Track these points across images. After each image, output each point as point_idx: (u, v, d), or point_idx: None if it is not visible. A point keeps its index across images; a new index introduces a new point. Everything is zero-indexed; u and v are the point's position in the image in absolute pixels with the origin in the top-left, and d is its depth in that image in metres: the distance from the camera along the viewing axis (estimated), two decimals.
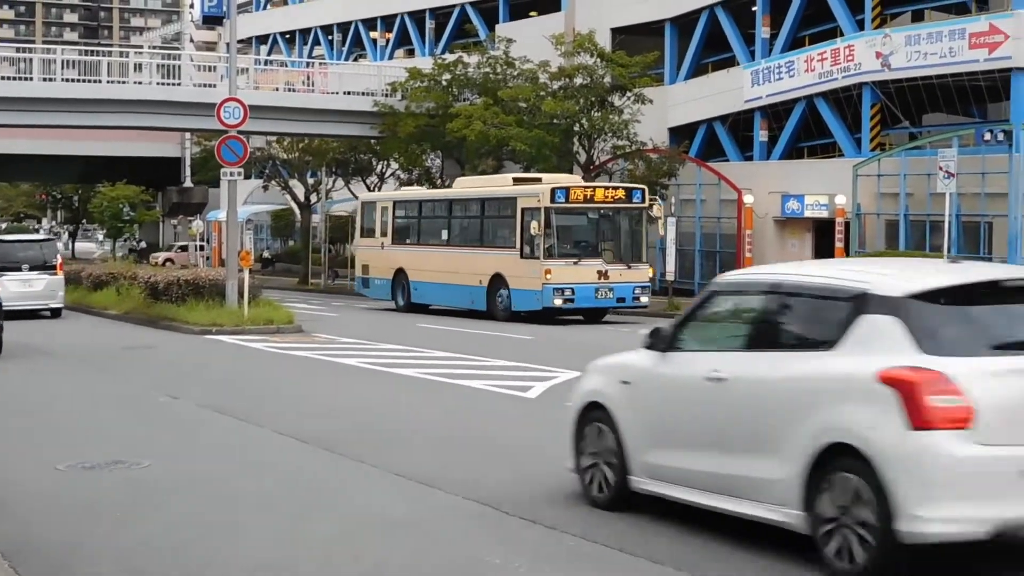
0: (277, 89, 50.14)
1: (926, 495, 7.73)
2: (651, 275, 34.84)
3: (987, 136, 35.50)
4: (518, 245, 32.70)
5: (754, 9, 46.34)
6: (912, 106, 39.86)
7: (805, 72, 42.56)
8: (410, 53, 66.51)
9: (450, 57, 50.85)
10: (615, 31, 50.45)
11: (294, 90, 52.28)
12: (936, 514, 7.71)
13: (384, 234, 38.87)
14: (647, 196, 34.01)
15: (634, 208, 33.15)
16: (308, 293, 51.10)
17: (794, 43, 44.71)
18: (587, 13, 51.31)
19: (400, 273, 37.78)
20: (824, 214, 39.76)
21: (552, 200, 32.02)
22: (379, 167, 56.31)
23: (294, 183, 60.33)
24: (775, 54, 44.90)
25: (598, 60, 45.00)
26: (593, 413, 10.30)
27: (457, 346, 25.06)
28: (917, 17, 43.89)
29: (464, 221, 36.46)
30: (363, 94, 50.33)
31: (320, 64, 59.03)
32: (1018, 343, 8.29)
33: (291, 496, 10.89)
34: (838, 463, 8.13)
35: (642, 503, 9.85)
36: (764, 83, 44.50)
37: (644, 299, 33.12)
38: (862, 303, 8.43)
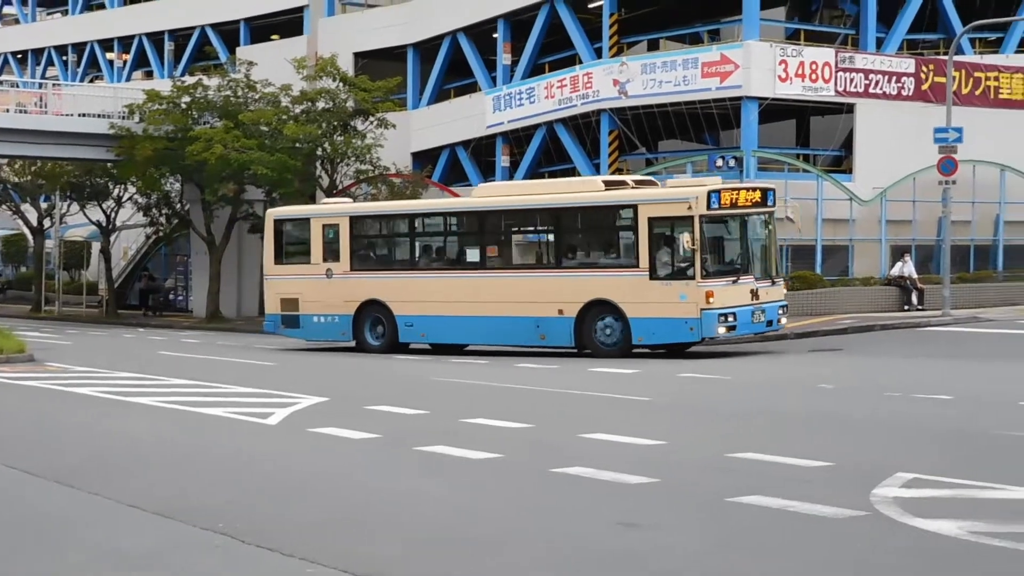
0: (8, 110, 48.19)
1: None
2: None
3: (719, 162, 36.46)
4: (643, 263, 26.05)
5: (495, 36, 46.72)
6: (648, 132, 40.72)
7: (545, 98, 43.06)
8: (149, 75, 64.99)
9: (190, 80, 49.75)
10: (358, 55, 50.22)
11: (26, 111, 50.34)
12: None
13: (332, 259, 30.91)
14: (776, 197, 27.98)
15: (767, 212, 27.00)
16: (41, 321, 49.22)
17: (535, 70, 45.22)
18: (330, 37, 50.96)
19: (372, 307, 30.27)
20: None
21: (708, 206, 25.47)
22: (116, 191, 54.69)
23: (26, 207, 58.19)
24: (516, 80, 45.32)
25: (341, 84, 44.67)
26: None
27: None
28: (653, 46, 44.99)
29: (518, 238, 29.55)
30: (99, 116, 48.72)
31: (54, 85, 57.05)
32: None
33: (17, 532, 10.24)
34: None
35: None
36: (506, 109, 44.85)
37: (784, 320, 27.45)
38: None
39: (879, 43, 41.27)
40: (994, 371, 21.98)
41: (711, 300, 25.35)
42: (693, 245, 25.21)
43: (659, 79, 39.08)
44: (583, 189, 28.43)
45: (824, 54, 38.76)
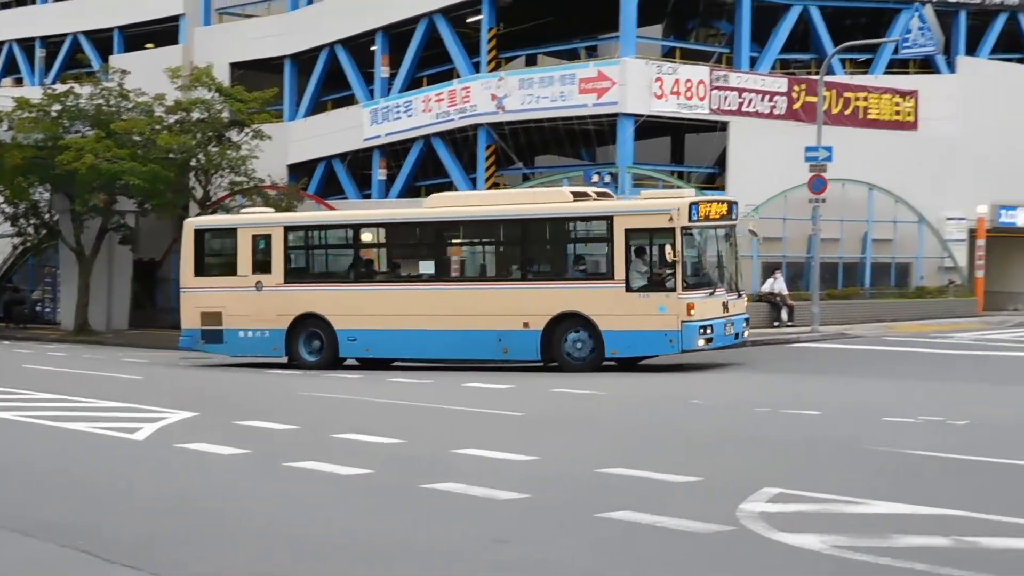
0: None
1: None
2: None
3: (595, 178, 36.73)
4: (619, 275, 25.72)
5: (373, 49, 46.61)
6: (526, 147, 40.91)
7: (423, 112, 43.05)
8: (18, 82, 63.71)
9: (61, 87, 48.90)
10: (234, 66, 49.77)
11: None
12: None
13: (262, 271, 29.59)
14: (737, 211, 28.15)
15: (732, 225, 27.19)
16: None
17: (413, 83, 45.20)
18: (205, 47, 50.44)
19: (308, 321, 29.11)
20: None
21: (689, 218, 25.37)
22: None
23: None
24: (394, 94, 45.26)
25: (216, 95, 44.22)
26: None
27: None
28: (531, 62, 45.23)
29: (481, 249, 28.94)
30: None
31: None
32: None
33: None
34: None
35: None
36: (383, 122, 44.77)
37: (747, 333, 27.84)
38: None
39: (753, 62, 41.91)
40: (859, 387, 22.37)
41: (692, 312, 25.27)
42: (675, 257, 25.02)
43: (536, 94, 39.27)
44: (551, 200, 27.65)
45: (699, 72, 39.24)
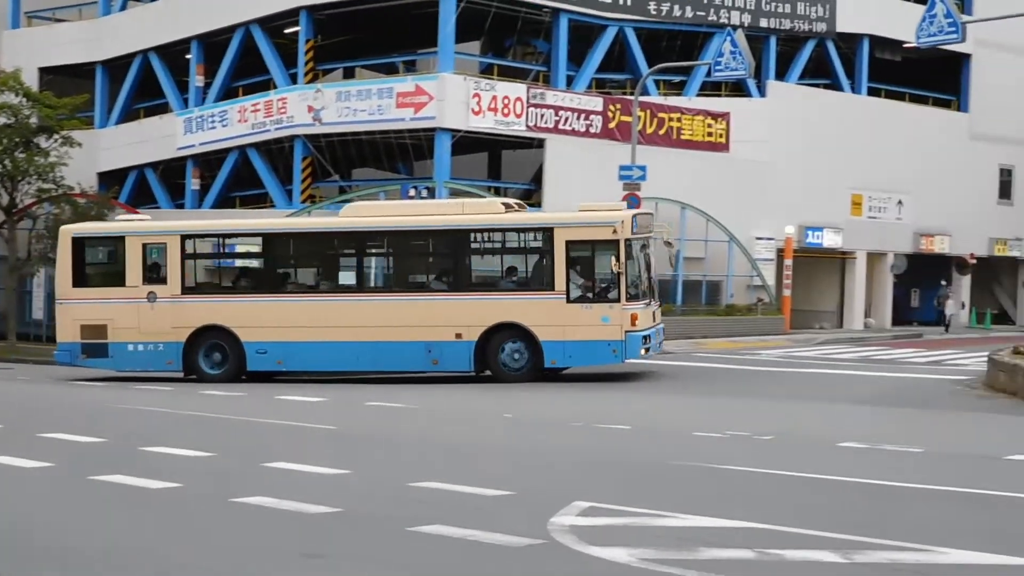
0: None
1: None
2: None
3: (412, 192, 36.76)
4: (559, 286, 25.92)
5: (188, 57, 45.95)
6: (342, 160, 40.74)
7: (238, 122, 42.59)
8: None
9: None
10: (43, 71, 48.65)
11: None
12: None
13: (155, 282, 28.21)
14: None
15: (651, 236, 27.95)
16: None
17: (228, 93, 44.70)
18: (14, 51, 49.18)
19: (209, 333, 27.95)
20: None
21: (632, 230, 25.90)
22: None
23: None
24: (209, 103, 44.67)
25: (24, 99, 43.07)
26: None
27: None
28: (349, 74, 45.10)
29: (409, 259, 28.48)
30: None
31: None
32: None
33: None
34: None
35: None
36: (197, 131, 44.17)
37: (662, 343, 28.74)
38: None
39: (569, 81, 42.41)
40: (670, 402, 22.76)
41: (636, 323, 25.83)
42: (619, 268, 25.52)
43: (354, 107, 39.14)
44: (483, 211, 27.77)
45: (516, 89, 39.56)
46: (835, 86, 49.51)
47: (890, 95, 51.40)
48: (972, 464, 14.64)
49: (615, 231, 25.67)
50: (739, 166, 44.10)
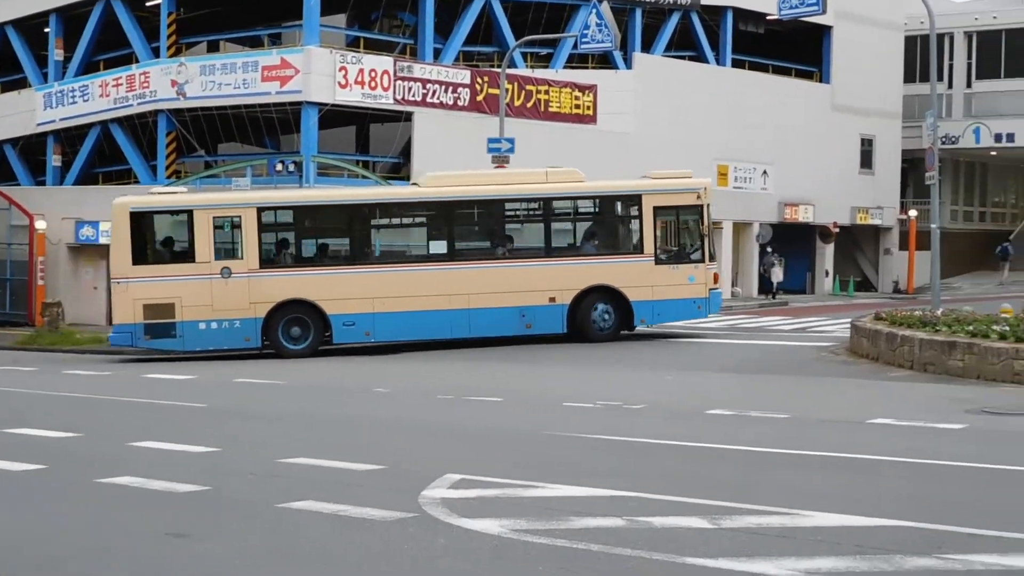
0: None
1: None
2: None
3: (279, 166, 36.34)
4: (648, 249, 28.35)
5: (47, 31, 44.99)
6: (208, 135, 40.18)
7: (100, 97, 41.81)
8: None
9: None
10: None
11: None
12: None
13: (228, 256, 27.37)
14: None
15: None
16: None
17: (89, 67, 43.85)
18: None
19: (290, 307, 27.46)
20: None
21: (709, 197, 28.91)
22: None
23: None
24: (69, 77, 43.80)
25: None
26: None
27: None
28: (213, 48, 44.48)
29: (503, 228, 29.04)
30: None
31: None
32: None
33: None
34: None
35: None
36: (58, 106, 43.31)
37: None
38: None
39: (436, 54, 42.26)
40: (540, 373, 22.87)
41: (717, 281, 29.13)
42: (704, 231, 28.49)
43: (219, 81, 38.62)
44: (565, 179, 29.16)
45: (383, 62, 39.34)
46: (700, 58, 49.98)
47: (754, 67, 52.00)
48: (835, 429, 14.93)
49: (699, 196, 28.57)
50: (606, 138, 44.36)
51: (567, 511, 10.04)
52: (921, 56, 56.80)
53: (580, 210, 29.70)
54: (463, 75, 41.40)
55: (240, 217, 27.50)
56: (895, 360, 22.35)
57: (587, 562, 8.59)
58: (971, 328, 21.38)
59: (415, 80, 39.84)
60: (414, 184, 30.80)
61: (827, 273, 55.43)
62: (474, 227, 29.61)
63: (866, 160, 56.50)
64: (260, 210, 27.78)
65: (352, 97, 38.39)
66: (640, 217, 28.51)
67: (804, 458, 12.79)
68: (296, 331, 27.59)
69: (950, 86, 59.94)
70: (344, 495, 10.79)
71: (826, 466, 12.25)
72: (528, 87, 43.02)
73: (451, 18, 42.91)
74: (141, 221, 27.70)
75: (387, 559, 8.83)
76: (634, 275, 28.37)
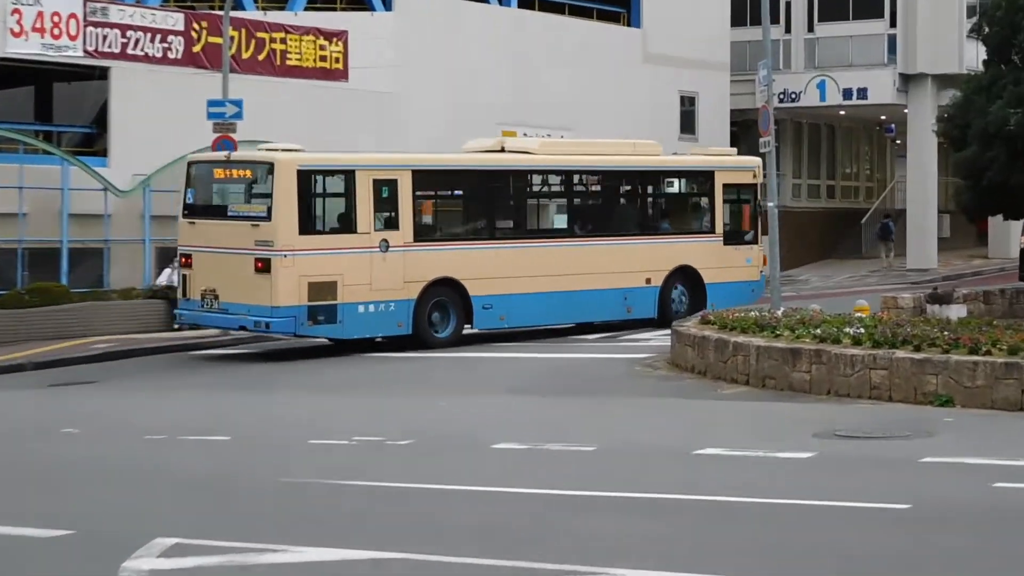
0: None
1: None
2: None
3: None
4: (719, 229, 32.73)
5: None
6: None
7: None
8: None
9: None
10: None
11: None
12: None
13: (386, 226, 28.40)
14: None
15: None
16: None
17: None
18: None
19: (437, 288, 28.90)
20: None
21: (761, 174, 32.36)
22: None
23: None
24: None
25: None
26: None
27: None
28: None
29: (593, 201, 33.53)
30: None
31: None
32: None
33: None
34: None
35: None
36: None
37: None
38: None
39: None
40: (279, 404, 22.67)
41: (766, 263, 31.06)
42: (760, 210, 31.56)
43: None
44: (649, 152, 33.14)
45: (70, 4, 38.56)
46: None
47: (546, 7, 52.40)
48: (653, 463, 15.14)
49: (755, 175, 32.86)
50: (362, 98, 44.21)
51: None
52: None
53: (666, 185, 34.02)
54: (175, 19, 40.88)
55: (396, 181, 28.73)
56: (727, 374, 22.74)
57: None
58: (819, 331, 21.88)
59: (112, 26, 39.17)
60: (524, 152, 32.28)
61: None
62: (579, 200, 33.19)
63: (687, 122, 57.41)
64: (415, 172, 29.18)
65: (28, 48, 37.54)
66: (712, 194, 32.72)
67: (612, 501, 12.92)
68: (437, 316, 29.17)
69: (788, 30, 61.06)
70: (19, 572, 10.52)
71: (639, 510, 12.39)
72: (260, 34, 42.67)
73: None
74: (309, 181, 28.38)
75: None
76: (708, 255, 32.30)
